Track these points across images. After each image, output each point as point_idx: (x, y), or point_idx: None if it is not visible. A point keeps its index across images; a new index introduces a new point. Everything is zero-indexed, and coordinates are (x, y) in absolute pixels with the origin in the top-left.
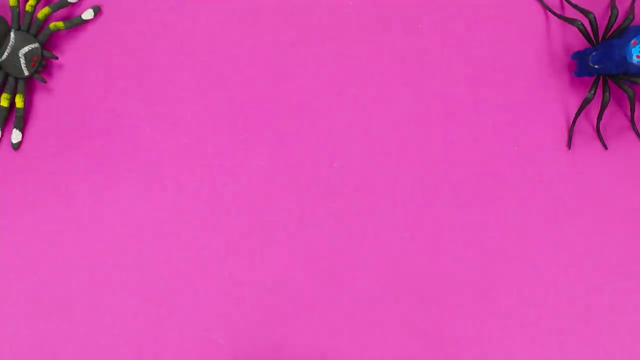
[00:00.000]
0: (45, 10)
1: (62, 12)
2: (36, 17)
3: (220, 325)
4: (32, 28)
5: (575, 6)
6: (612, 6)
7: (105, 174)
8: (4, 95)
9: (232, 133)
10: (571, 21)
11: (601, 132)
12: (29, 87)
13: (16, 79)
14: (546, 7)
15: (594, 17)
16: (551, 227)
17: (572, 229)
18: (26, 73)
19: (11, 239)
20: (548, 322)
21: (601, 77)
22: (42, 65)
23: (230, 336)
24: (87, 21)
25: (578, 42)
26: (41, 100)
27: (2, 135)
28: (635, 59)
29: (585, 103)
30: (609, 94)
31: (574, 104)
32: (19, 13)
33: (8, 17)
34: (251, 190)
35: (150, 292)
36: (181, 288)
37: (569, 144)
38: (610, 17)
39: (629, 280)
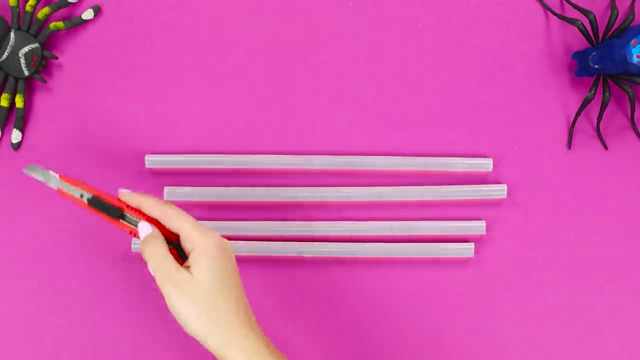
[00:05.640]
0: (45, 10)
1: (62, 12)
2: (36, 17)
3: None
4: (32, 28)
5: (575, 6)
6: (612, 6)
7: (105, 175)
8: (4, 95)
9: (231, 132)
10: (571, 21)
11: (601, 132)
12: (29, 87)
13: (16, 79)
14: (546, 7)
15: (594, 17)
16: (551, 226)
17: (572, 228)
18: (26, 73)
19: (11, 239)
20: (547, 322)
21: (601, 77)
22: (42, 65)
23: None
24: (87, 21)
25: (578, 42)
26: (41, 100)
27: (2, 135)
28: (635, 59)
29: (585, 103)
30: (609, 93)
31: (574, 104)
32: (19, 13)
33: (8, 17)
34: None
35: (151, 292)
36: None
37: (569, 144)
38: (610, 17)
39: (629, 280)
